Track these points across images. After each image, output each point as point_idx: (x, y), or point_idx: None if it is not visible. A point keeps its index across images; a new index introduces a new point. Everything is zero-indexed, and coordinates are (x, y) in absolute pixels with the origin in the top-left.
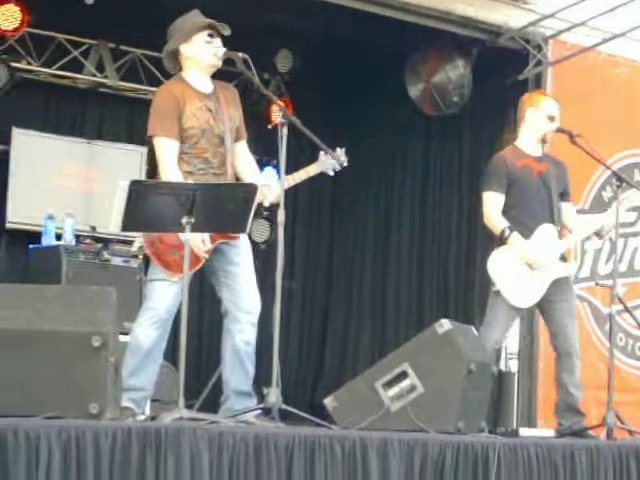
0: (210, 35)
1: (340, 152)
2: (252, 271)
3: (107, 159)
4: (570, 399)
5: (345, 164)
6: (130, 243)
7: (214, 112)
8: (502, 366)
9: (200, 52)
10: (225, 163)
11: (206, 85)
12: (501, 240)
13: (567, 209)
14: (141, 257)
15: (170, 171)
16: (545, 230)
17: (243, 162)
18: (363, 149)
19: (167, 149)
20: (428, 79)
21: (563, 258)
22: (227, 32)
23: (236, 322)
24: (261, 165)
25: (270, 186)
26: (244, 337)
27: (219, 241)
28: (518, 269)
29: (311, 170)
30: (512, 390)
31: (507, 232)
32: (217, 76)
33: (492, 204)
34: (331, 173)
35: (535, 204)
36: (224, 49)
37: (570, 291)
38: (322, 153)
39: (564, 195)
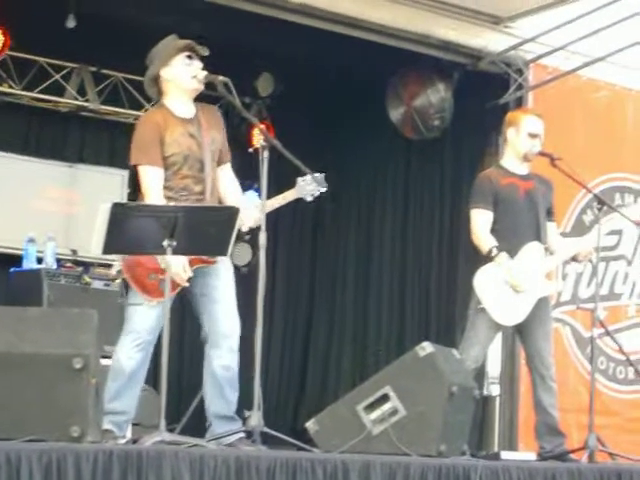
0: (189, 57)
1: (320, 177)
2: (232, 295)
3: (88, 182)
4: (549, 420)
5: (323, 189)
6: (111, 267)
7: (196, 137)
8: (485, 390)
9: (180, 75)
10: (205, 190)
11: (188, 110)
12: (487, 258)
13: (551, 228)
14: (119, 280)
15: (156, 199)
16: (531, 248)
17: (227, 185)
18: (345, 172)
19: (152, 177)
20: (409, 103)
21: (547, 276)
22: (205, 52)
23: (215, 347)
24: (243, 189)
25: (248, 210)
26: (222, 362)
27: (197, 266)
28: (504, 287)
29: (289, 195)
30: (493, 413)
31: (495, 251)
32: (198, 99)
33: (479, 221)
34: (309, 199)
35: (521, 221)
36: (204, 72)
37: (548, 314)
38: (299, 179)
39: (549, 214)
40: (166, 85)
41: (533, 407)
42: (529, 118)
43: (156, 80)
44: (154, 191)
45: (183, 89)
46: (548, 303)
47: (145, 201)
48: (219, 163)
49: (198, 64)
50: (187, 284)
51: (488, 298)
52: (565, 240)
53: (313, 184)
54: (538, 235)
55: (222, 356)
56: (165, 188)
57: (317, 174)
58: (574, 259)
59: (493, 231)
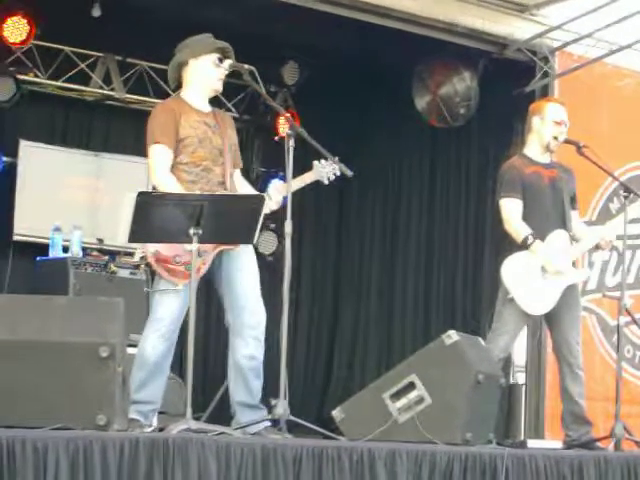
0: (220, 60)
1: (336, 161)
2: (257, 282)
3: (114, 171)
4: (577, 409)
5: (338, 173)
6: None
7: (212, 127)
8: (511, 378)
9: (207, 72)
10: (225, 174)
11: (204, 105)
12: (522, 246)
13: (574, 217)
14: (143, 267)
15: (160, 174)
16: (559, 236)
17: (241, 188)
18: (370, 161)
19: (159, 155)
20: (435, 91)
21: (573, 265)
22: (230, 63)
23: (239, 337)
24: (268, 177)
25: (270, 195)
26: (247, 352)
27: (220, 249)
28: (532, 276)
29: (307, 178)
30: (519, 402)
31: (530, 239)
32: (224, 87)
33: (512, 210)
34: (326, 182)
35: (547, 209)
36: (228, 66)
37: (577, 301)
38: (316, 162)
39: (572, 202)
40: (188, 77)
41: (560, 395)
42: (553, 106)
43: (180, 68)
44: (159, 168)
45: (204, 85)
46: (576, 290)
47: (151, 179)
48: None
49: (225, 69)
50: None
51: (516, 288)
52: (589, 228)
53: (328, 167)
54: (564, 223)
55: (247, 346)
56: (185, 173)
57: (336, 158)
58: (597, 247)
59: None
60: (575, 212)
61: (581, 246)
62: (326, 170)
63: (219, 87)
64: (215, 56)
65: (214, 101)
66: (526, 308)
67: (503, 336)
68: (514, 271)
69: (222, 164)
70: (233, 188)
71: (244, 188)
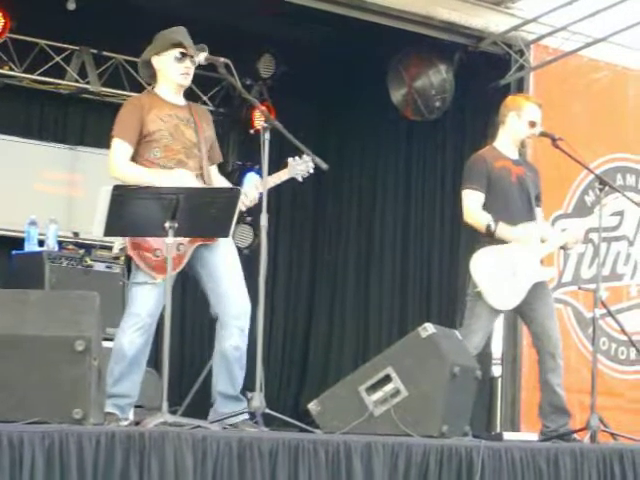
0: (182, 54)
1: (311, 158)
2: (240, 273)
3: (89, 165)
4: (556, 399)
5: (312, 171)
6: (112, 249)
7: (185, 121)
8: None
9: (168, 67)
10: (202, 167)
11: (178, 99)
12: (487, 234)
13: (538, 215)
14: (123, 259)
15: (121, 166)
16: (529, 227)
17: (217, 181)
18: (346, 154)
19: (118, 149)
20: (410, 84)
21: (541, 262)
22: (200, 57)
23: (225, 327)
24: (244, 171)
25: (246, 192)
26: (232, 342)
27: (198, 244)
28: (500, 271)
29: (282, 175)
30: (495, 394)
31: (493, 225)
32: (200, 80)
33: (472, 201)
34: (300, 179)
35: (514, 206)
36: (193, 67)
37: (548, 293)
38: (290, 159)
39: (537, 200)
40: (157, 73)
41: (539, 387)
42: (532, 106)
43: (149, 65)
44: (118, 161)
45: (170, 81)
46: (546, 284)
47: (110, 172)
48: (210, 161)
49: (190, 62)
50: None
51: (484, 282)
52: (553, 229)
53: (304, 164)
54: (531, 220)
55: (232, 335)
56: (158, 166)
57: (305, 155)
58: (563, 247)
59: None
60: (539, 210)
61: (547, 246)
62: (300, 167)
63: (184, 82)
64: (176, 51)
65: (189, 94)
66: (493, 303)
67: (477, 333)
68: (483, 265)
69: (197, 157)
70: (210, 182)
71: (221, 181)
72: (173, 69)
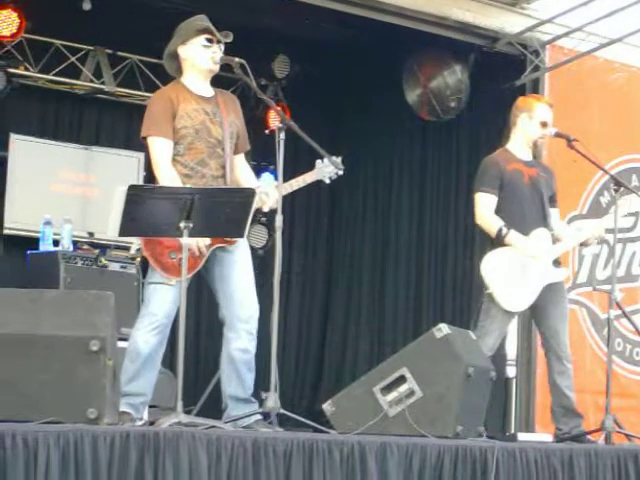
0: (209, 40)
1: (337, 160)
2: (251, 277)
3: (105, 165)
4: (566, 401)
5: (341, 172)
6: (128, 249)
7: (211, 115)
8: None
9: (196, 55)
10: (224, 167)
11: (205, 89)
12: (497, 239)
13: (555, 215)
14: (139, 260)
15: (164, 169)
16: (540, 234)
17: (242, 173)
18: (361, 154)
19: (160, 148)
20: (426, 84)
21: (556, 263)
22: (228, 39)
23: (233, 330)
24: (259, 171)
25: (268, 192)
26: (240, 345)
27: (217, 246)
28: (511, 272)
29: (308, 178)
30: (510, 395)
31: (504, 230)
32: (215, 80)
33: (485, 204)
34: (327, 181)
35: (527, 208)
36: (221, 54)
37: (563, 295)
38: (319, 161)
39: (552, 201)
40: (183, 63)
41: (549, 389)
42: (542, 106)
43: (174, 56)
44: (163, 162)
45: (198, 69)
46: (561, 286)
47: (155, 173)
48: (236, 152)
49: (217, 48)
50: (205, 251)
51: (496, 284)
52: (569, 227)
53: (331, 166)
54: (544, 222)
55: (240, 337)
56: (180, 165)
57: (334, 157)
58: (583, 244)
59: (498, 216)
60: (555, 210)
61: (562, 245)
62: (328, 169)
63: (214, 67)
64: (202, 38)
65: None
66: (504, 304)
67: (491, 334)
68: (494, 267)
69: (220, 156)
70: (233, 178)
71: (245, 173)
72: (201, 56)
